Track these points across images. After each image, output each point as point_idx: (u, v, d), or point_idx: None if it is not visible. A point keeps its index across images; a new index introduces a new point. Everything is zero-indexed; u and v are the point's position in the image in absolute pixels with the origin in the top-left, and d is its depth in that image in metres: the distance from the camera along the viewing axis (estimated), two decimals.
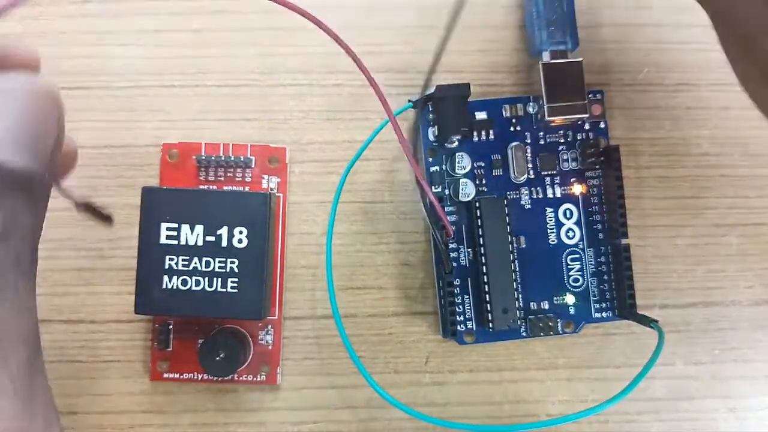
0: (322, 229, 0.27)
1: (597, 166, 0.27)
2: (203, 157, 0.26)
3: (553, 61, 0.26)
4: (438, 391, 0.27)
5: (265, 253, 0.24)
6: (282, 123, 0.27)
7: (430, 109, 0.26)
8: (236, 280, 0.23)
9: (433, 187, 0.26)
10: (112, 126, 0.27)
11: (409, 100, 0.26)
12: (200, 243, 0.23)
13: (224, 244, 0.23)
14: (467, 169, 0.26)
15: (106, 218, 0.20)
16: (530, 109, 0.27)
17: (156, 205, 0.23)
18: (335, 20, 0.28)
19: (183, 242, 0.23)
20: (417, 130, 0.26)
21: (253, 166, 0.26)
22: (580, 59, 0.26)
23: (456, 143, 0.26)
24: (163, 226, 0.23)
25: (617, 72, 0.28)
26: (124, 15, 0.27)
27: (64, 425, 0.26)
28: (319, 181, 0.27)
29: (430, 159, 0.27)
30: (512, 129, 0.27)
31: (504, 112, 0.27)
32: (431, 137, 0.27)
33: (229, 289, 0.23)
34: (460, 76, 0.28)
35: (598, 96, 0.27)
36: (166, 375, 0.26)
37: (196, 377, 0.26)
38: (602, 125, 0.27)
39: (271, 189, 0.26)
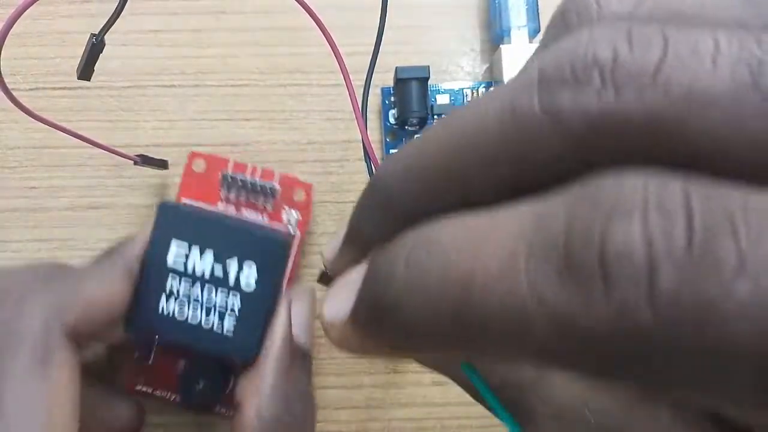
0: (322, 228, 0.27)
1: None
2: (229, 175, 0.25)
3: (514, 45, 0.26)
4: (438, 391, 0.27)
5: (271, 299, 0.22)
6: (282, 123, 0.27)
7: (392, 91, 0.27)
8: (235, 319, 0.22)
9: None
10: (112, 126, 0.27)
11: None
12: (207, 271, 0.22)
13: (231, 278, 0.22)
14: None
15: (162, 163, 0.26)
16: None
17: (170, 223, 0.22)
18: (335, 21, 0.28)
19: (190, 267, 0.22)
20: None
21: (277, 196, 0.25)
22: None
23: (417, 126, 0.27)
24: (174, 244, 0.21)
25: None
26: (123, 15, 0.27)
27: None
28: (319, 181, 0.27)
29: (390, 141, 0.27)
30: None
31: (466, 98, 0.27)
32: (392, 119, 0.27)
33: (225, 327, 0.22)
34: (425, 60, 0.27)
35: None
36: (140, 388, 0.24)
37: (169, 397, 0.24)
38: None
39: (290, 223, 0.25)
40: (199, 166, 0.25)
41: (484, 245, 0.08)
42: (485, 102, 0.09)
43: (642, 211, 0.07)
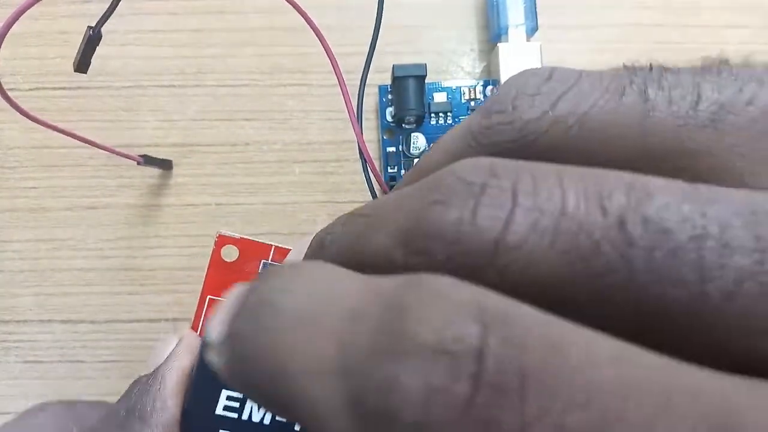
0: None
1: None
2: (270, 264, 0.20)
3: (511, 44, 0.26)
4: None
5: None
6: (282, 123, 0.27)
7: (389, 89, 0.27)
8: None
9: (389, 168, 0.27)
10: (112, 126, 0.27)
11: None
12: (267, 421, 0.18)
13: (298, 426, 0.18)
14: (422, 150, 0.26)
15: (166, 164, 0.26)
16: (489, 93, 0.27)
17: None
18: (335, 21, 0.28)
19: (246, 417, 0.18)
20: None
21: None
22: (539, 42, 0.26)
23: (413, 124, 0.27)
24: (224, 394, 0.18)
25: None
26: (123, 15, 0.27)
27: None
28: (319, 181, 0.27)
29: (387, 138, 0.27)
30: (471, 112, 0.27)
31: (463, 96, 0.27)
32: (389, 117, 0.27)
33: None
34: (424, 60, 0.27)
35: None
36: None
37: None
38: None
39: None
40: (231, 254, 0.19)
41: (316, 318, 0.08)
42: (383, 219, 0.09)
43: (429, 359, 0.06)
